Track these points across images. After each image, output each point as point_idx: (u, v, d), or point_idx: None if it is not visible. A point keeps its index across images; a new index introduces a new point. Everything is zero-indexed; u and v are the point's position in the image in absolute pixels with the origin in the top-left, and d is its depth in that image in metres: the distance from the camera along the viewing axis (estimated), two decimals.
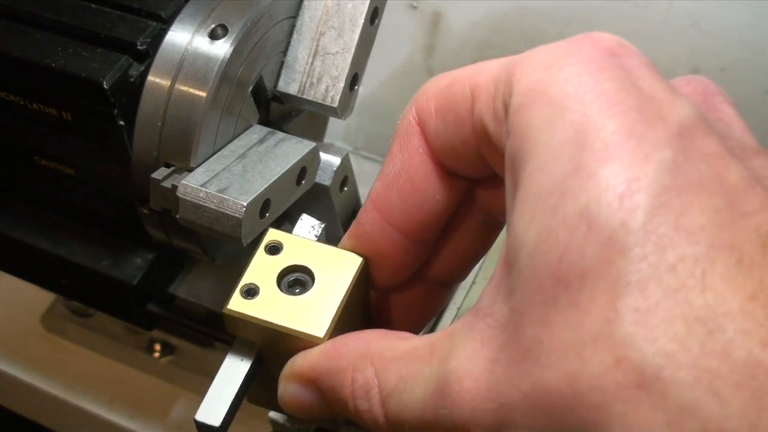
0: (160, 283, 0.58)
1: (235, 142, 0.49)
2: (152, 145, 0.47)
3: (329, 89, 0.51)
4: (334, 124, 0.61)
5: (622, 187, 0.26)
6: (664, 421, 0.24)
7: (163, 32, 0.47)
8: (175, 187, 0.45)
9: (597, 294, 0.25)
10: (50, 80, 0.47)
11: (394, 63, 0.77)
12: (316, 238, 0.39)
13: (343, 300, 0.36)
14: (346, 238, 0.38)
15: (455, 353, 0.30)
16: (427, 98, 0.34)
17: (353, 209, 0.57)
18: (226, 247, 0.53)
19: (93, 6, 0.49)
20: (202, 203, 0.45)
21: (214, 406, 0.36)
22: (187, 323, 0.60)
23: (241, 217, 0.44)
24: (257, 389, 0.40)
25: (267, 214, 0.46)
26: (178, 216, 0.46)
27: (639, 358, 0.24)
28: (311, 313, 0.35)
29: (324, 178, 0.52)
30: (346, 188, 0.55)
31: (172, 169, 0.47)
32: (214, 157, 0.48)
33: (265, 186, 0.46)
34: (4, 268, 0.62)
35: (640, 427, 0.24)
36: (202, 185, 0.45)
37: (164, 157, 0.47)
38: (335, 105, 0.51)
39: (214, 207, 0.44)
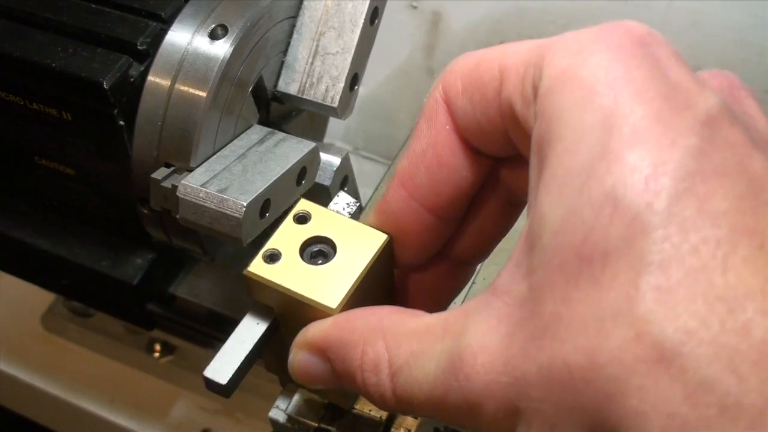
0: (160, 283, 0.58)
1: (235, 142, 0.49)
2: (152, 145, 0.47)
3: (329, 89, 0.51)
4: (334, 124, 0.61)
5: (648, 170, 0.26)
6: (682, 395, 0.24)
7: (163, 32, 0.47)
8: (175, 187, 0.45)
9: (619, 272, 0.26)
10: (50, 80, 0.47)
11: (394, 63, 0.77)
12: (349, 216, 0.39)
13: (361, 274, 0.36)
14: (371, 215, 0.38)
15: (470, 329, 0.30)
16: (455, 77, 0.34)
17: None
18: (226, 247, 0.53)
19: (93, 6, 0.49)
20: (202, 203, 0.45)
21: (223, 364, 0.36)
22: (187, 323, 0.60)
23: (241, 217, 0.44)
24: (275, 359, 0.39)
25: (267, 214, 0.46)
26: (178, 216, 0.46)
27: (659, 334, 0.24)
28: (328, 284, 0.36)
29: (324, 178, 0.52)
30: (346, 188, 0.55)
31: (172, 169, 0.47)
32: (214, 157, 0.48)
33: (265, 186, 0.46)
34: (4, 268, 0.62)
35: (658, 400, 0.24)
36: (202, 185, 0.45)
37: (164, 157, 0.47)
38: (335, 105, 0.51)
39: (214, 207, 0.44)
